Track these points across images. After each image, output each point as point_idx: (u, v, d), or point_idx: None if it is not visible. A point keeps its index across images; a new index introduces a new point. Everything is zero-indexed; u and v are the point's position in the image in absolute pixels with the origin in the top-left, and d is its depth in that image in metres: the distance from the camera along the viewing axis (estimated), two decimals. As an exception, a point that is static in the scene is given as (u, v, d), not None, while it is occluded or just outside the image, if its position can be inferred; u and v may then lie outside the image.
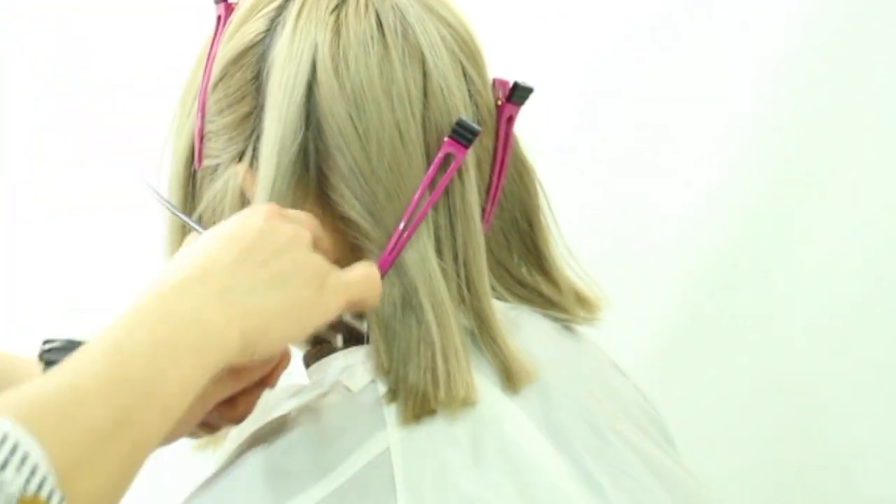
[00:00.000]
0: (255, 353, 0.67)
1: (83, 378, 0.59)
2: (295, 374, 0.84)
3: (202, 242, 0.70)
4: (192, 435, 0.85)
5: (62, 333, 0.87)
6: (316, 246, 0.75)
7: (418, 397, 0.74)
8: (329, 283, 0.72)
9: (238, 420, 0.81)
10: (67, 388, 0.58)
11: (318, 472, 0.74)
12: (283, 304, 0.69)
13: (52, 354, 0.83)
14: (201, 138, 0.83)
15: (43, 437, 0.54)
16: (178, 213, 0.84)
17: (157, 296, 0.65)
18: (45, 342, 0.84)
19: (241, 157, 0.80)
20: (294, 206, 0.77)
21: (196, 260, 0.68)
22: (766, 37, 1.37)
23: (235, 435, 0.85)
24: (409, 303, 0.76)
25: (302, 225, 0.74)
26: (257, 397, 0.81)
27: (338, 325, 0.82)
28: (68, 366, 0.59)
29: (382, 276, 0.76)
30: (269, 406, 0.82)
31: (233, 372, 0.76)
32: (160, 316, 0.64)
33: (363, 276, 0.74)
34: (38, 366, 0.83)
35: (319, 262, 0.72)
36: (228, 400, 0.80)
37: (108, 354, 0.61)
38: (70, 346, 0.83)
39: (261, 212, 0.73)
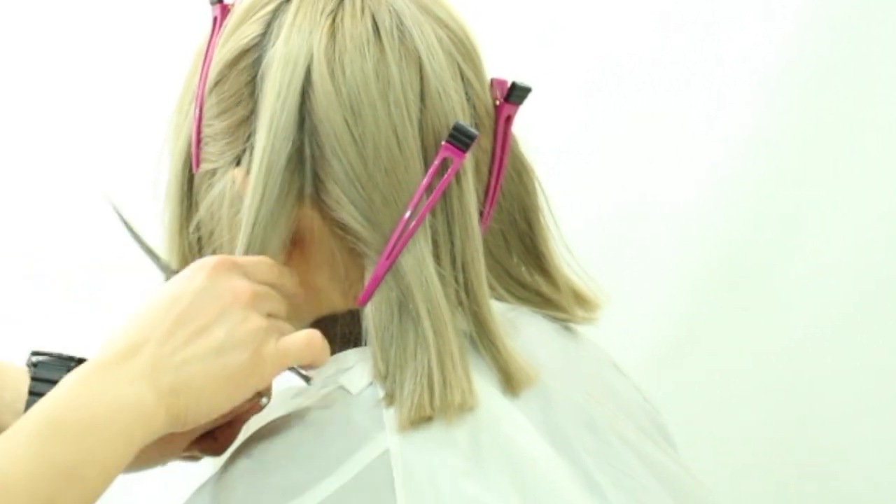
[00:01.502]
0: (184, 425, 0.71)
1: (10, 465, 0.63)
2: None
3: (144, 306, 0.72)
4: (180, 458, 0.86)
5: (55, 343, 0.87)
6: (280, 286, 0.77)
7: (415, 403, 0.74)
8: (265, 352, 0.73)
9: (219, 452, 0.82)
10: None
11: (317, 473, 0.74)
12: (215, 376, 0.71)
13: (42, 371, 0.84)
14: (198, 142, 0.82)
15: None
16: (144, 247, 0.86)
17: (89, 374, 0.68)
18: (34, 353, 0.85)
19: (238, 161, 0.80)
20: (287, 211, 0.77)
21: (132, 330, 0.71)
22: (768, 38, 1.37)
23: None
24: (405, 308, 0.75)
25: (259, 273, 0.76)
26: (238, 431, 0.82)
27: (334, 332, 0.82)
28: None
29: (380, 282, 0.76)
30: (268, 407, 0.82)
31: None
32: (88, 398, 0.67)
33: (304, 344, 0.75)
34: (26, 374, 0.84)
35: (256, 328, 0.73)
36: (208, 433, 0.81)
37: (35, 441, 0.64)
38: (60, 363, 0.84)
39: (206, 267, 0.74)
